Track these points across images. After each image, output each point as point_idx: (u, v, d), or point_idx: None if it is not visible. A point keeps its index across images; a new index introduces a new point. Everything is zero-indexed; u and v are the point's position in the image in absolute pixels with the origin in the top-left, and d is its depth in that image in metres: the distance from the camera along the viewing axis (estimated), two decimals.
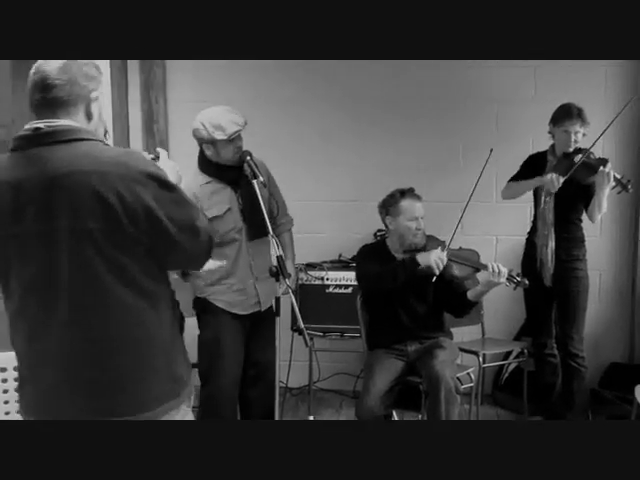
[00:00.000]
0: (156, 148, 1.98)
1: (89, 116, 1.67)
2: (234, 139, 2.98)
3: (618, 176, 3.39)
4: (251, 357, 3.16)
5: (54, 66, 1.62)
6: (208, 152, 3.01)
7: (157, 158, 1.93)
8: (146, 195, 1.57)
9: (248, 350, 3.16)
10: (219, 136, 2.93)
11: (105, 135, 1.76)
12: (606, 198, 3.44)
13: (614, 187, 3.41)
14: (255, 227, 3.04)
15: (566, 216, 3.57)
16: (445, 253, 3.12)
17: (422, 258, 3.13)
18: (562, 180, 3.38)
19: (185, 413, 1.79)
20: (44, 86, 1.61)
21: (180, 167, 3.22)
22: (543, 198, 3.56)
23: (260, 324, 3.15)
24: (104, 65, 1.72)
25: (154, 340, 1.68)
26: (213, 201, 3.03)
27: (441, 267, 3.10)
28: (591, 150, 3.45)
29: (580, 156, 3.42)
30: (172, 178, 1.83)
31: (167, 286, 1.75)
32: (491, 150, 3.24)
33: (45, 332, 1.64)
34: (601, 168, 3.37)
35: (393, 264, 3.22)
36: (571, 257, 3.60)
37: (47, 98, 1.62)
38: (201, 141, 3.01)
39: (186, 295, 3.21)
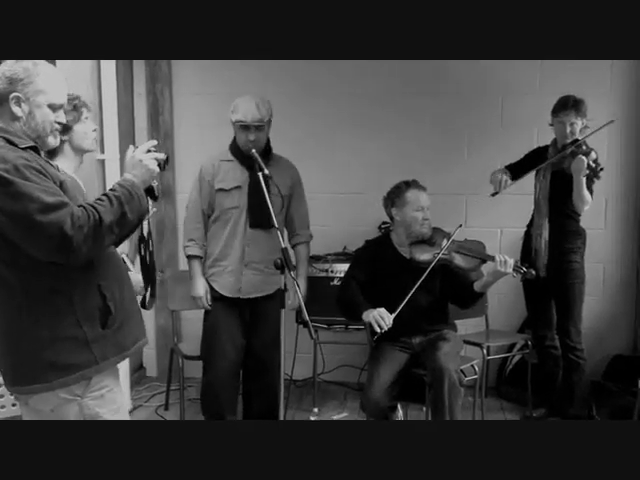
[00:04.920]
0: (150, 140, 1.99)
1: (12, 116, 1.76)
2: (247, 128, 3.03)
3: (592, 164, 3.32)
4: (253, 351, 3.18)
5: None
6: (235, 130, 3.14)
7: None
8: None
9: (249, 343, 3.17)
10: (232, 117, 3.08)
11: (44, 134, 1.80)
12: (584, 187, 3.37)
13: (588, 174, 3.34)
14: (253, 215, 3.09)
15: (560, 209, 3.55)
16: (392, 317, 2.98)
17: (365, 315, 3.04)
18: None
19: (64, 402, 1.81)
20: None
21: (185, 158, 3.25)
22: (537, 187, 3.56)
23: (261, 316, 3.17)
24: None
25: (9, 323, 1.79)
26: (227, 176, 3.14)
27: (382, 325, 2.95)
28: (584, 141, 3.42)
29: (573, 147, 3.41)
30: (134, 169, 1.85)
31: (37, 275, 1.75)
32: (460, 225, 3.26)
33: None
34: (579, 156, 3.33)
35: (359, 302, 3.14)
36: (565, 249, 3.58)
37: None
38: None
39: (185, 288, 3.32)
